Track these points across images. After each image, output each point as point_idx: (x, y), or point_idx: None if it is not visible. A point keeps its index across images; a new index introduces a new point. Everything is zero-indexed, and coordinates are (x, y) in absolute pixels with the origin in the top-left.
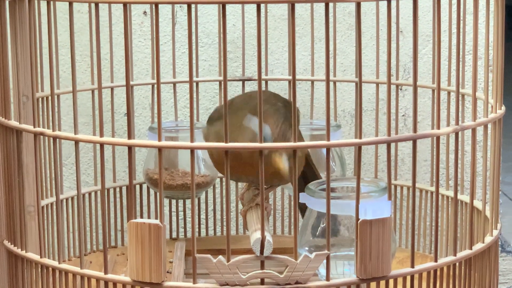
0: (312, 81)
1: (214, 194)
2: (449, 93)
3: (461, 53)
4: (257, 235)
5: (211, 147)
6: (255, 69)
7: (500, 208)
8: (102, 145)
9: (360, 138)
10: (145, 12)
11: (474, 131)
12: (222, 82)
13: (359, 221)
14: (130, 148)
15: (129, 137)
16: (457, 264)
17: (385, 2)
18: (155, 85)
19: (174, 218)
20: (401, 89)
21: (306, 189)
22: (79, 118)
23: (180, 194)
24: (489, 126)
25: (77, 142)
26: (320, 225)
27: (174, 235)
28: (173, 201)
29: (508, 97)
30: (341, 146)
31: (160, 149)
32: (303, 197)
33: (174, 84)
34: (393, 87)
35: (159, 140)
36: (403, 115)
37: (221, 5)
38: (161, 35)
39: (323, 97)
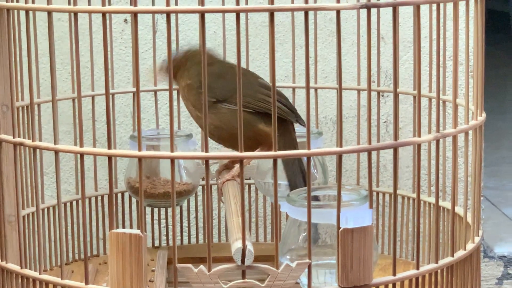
0: (294, 88)
1: (196, 201)
2: (430, 99)
3: (441, 60)
4: (238, 244)
5: (192, 157)
6: None
7: (483, 213)
8: (82, 155)
9: (341, 146)
10: (125, 20)
11: (455, 138)
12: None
13: (340, 230)
14: (110, 158)
15: (109, 147)
16: (439, 271)
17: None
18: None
19: (156, 226)
20: (382, 96)
21: (287, 198)
22: (60, 127)
23: (162, 202)
24: (470, 133)
25: (57, 152)
26: (302, 233)
27: (156, 243)
28: (156, 209)
29: (490, 101)
30: (322, 154)
31: (140, 159)
32: (284, 206)
33: (155, 92)
34: (374, 93)
35: (139, 150)
36: (384, 122)
37: (200, 14)
38: (142, 43)
39: (305, 104)
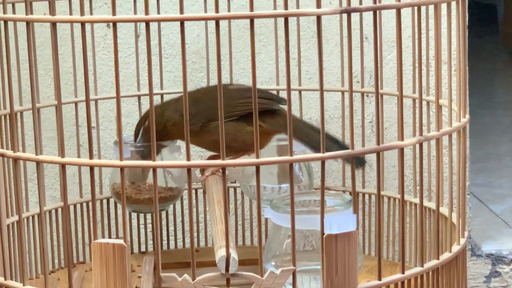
0: (278, 91)
1: (182, 205)
2: (414, 100)
3: (425, 61)
4: (222, 252)
5: (174, 166)
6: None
7: (470, 211)
8: (63, 165)
9: (324, 152)
10: (108, 25)
11: (438, 141)
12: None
13: (324, 236)
14: (92, 168)
15: (91, 157)
16: (425, 274)
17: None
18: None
19: (142, 231)
20: (367, 96)
21: (271, 204)
22: (45, 133)
23: (147, 208)
24: (454, 134)
25: (38, 162)
26: (286, 239)
27: (143, 248)
28: (141, 214)
29: (477, 95)
30: (305, 161)
31: (122, 168)
32: (268, 212)
33: (139, 97)
34: (359, 94)
35: (121, 159)
36: (370, 122)
37: (180, 22)
38: (125, 47)
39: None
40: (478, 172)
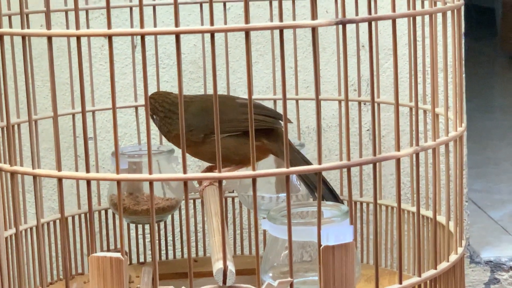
0: (275, 100)
1: (181, 215)
2: (411, 109)
3: (421, 69)
4: (219, 264)
5: (171, 179)
6: (218, 88)
7: (468, 218)
8: (60, 179)
9: (320, 163)
10: None
11: (434, 150)
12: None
13: (321, 247)
14: (89, 182)
15: (87, 170)
16: (422, 284)
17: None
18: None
19: (141, 241)
20: (364, 104)
21: (268, 215)
22: (43, 144)
23: (145, 219)
24: (451, 143)
25: (35, 176)
26: (283, 251)
27: (141, 258)
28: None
29: (475, 99)
30: (301, 172)
31: (118, 182)
32: (265, 224)
33: (136, 107)
34: (356, 102)
35: (117, 172)
36: (367, 130)
37: (175, 35)
38: (122, 58)
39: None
40: (477, 177)
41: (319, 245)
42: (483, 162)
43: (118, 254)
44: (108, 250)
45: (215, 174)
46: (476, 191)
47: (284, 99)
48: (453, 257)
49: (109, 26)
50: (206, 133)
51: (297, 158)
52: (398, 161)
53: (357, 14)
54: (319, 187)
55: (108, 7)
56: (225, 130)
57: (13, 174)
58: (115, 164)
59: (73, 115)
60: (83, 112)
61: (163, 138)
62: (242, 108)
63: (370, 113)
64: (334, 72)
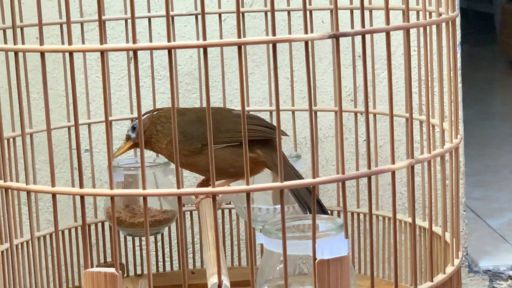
0: (271, 111)
1: (178, 227)
2: (407, 119)
3: (417, 79)
4: (213, 279)
5: (165, 194)
6: (214, 99)
7: (466, 228)
8: (54, 195)
9: (314, 177)
10: None
11: (430, 163)
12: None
13: (316, 261)
14: (83, 197)
15: (81, 185)
16: None
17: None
18: (112, 122)
19: (138, 253)
20: (361, 115)
21: (263, 229)
22: (39, 156)
23: (142, 231)
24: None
25: (29, 192)
26: (278, 264)
27: (139, 270)
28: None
29: (474, 106)
30: (296, 186)
31: (112, 197)
32: (260, 238)
33: (132, 119)
34: (352, 113)
35: (111, 188)
36: (364, 140)
37: (167, 50)
38: (118, 70)
39: (283, 126)
40: (476, 185)
41: (314, 259)
42: (482, 169)
43: (112, 270)
44: (105, 262)
45: (208, 189)
46: (474, 199)
47: (278, 112)
48: (449, 269)
49: (101, 42)
50: (203, 143)
51: (290, 173)
52: (393, 173)
53: (352, 26)
54: (313, 201)
55: (100, 23)
56: (223, 140)
57: (6, 189)
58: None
59: (69, 128)
60: (76, 126)
61: None
62: (239, 118)
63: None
64: (330, 82)
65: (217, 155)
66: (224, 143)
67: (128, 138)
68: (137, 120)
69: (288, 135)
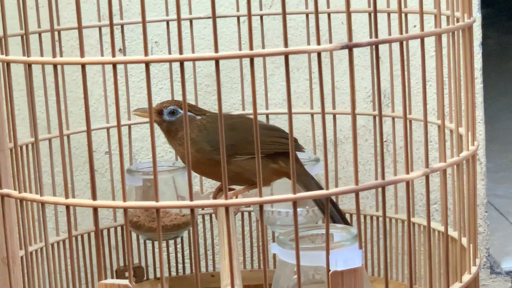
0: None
1: (199, 229)
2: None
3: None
4: None
5: (177, 206)
6: (234, 101)
7: (488, 228)
8: (68, 206)
9: (327, 189)
10: (120, 50)
11: (444, 172)
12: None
13: (330, 272)
14: (96, 209)
15: (93, 197)
16: None
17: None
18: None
19: (158, 256)
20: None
21: (277, 240)
22: (58, 159)
23: (162, 236)
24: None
25: (43, 204)
26: (293, 275)
27: (158, 274)
28: None
29: (503, 98)
30: (308, 198)
31: (125, 209)
32: (274, 248)
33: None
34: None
35: (124, 200)
36: (385, 141)
37: (179, 62)
38: (138, 72)
39: (303, 128)
40: (500, 182)
41: (328, 270)
42: (507, 165)
43: (126, 281)
44: (125, 266)
45: (222, 201)
46: (499, 197)
47: (290, 120)
48: (466, 277)
49: (113, 54)
50: (231, 153)
51: (311, 183)
52: (407, 184)
53: (389, 32)
54: (326, 213)
55: (112, 36)
56: (251, 151)
57: (21, 200)
58: (130, 181)
59: (68, 136)
60: (89, 134)
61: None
62: (266, 130)
63: (387, 124)
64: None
65: (243, 165)
66: (251, 154)
67: (159, 113)
68: (176, 106)
69: (304, 151)
